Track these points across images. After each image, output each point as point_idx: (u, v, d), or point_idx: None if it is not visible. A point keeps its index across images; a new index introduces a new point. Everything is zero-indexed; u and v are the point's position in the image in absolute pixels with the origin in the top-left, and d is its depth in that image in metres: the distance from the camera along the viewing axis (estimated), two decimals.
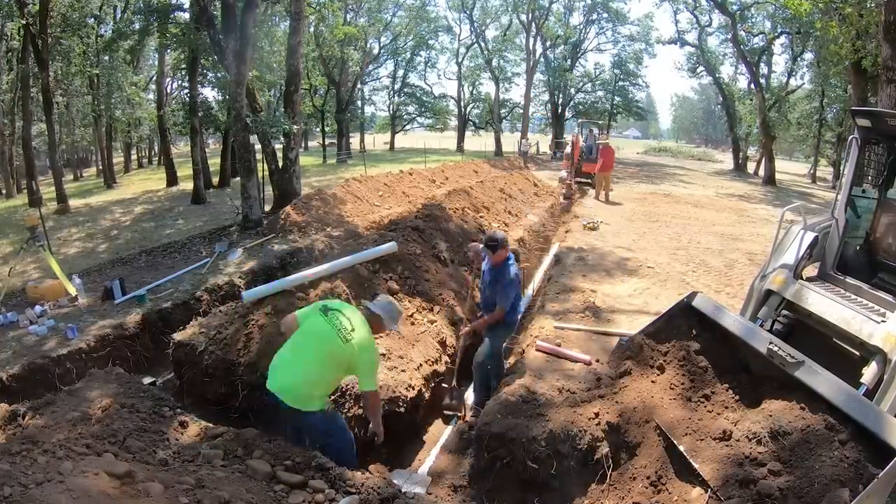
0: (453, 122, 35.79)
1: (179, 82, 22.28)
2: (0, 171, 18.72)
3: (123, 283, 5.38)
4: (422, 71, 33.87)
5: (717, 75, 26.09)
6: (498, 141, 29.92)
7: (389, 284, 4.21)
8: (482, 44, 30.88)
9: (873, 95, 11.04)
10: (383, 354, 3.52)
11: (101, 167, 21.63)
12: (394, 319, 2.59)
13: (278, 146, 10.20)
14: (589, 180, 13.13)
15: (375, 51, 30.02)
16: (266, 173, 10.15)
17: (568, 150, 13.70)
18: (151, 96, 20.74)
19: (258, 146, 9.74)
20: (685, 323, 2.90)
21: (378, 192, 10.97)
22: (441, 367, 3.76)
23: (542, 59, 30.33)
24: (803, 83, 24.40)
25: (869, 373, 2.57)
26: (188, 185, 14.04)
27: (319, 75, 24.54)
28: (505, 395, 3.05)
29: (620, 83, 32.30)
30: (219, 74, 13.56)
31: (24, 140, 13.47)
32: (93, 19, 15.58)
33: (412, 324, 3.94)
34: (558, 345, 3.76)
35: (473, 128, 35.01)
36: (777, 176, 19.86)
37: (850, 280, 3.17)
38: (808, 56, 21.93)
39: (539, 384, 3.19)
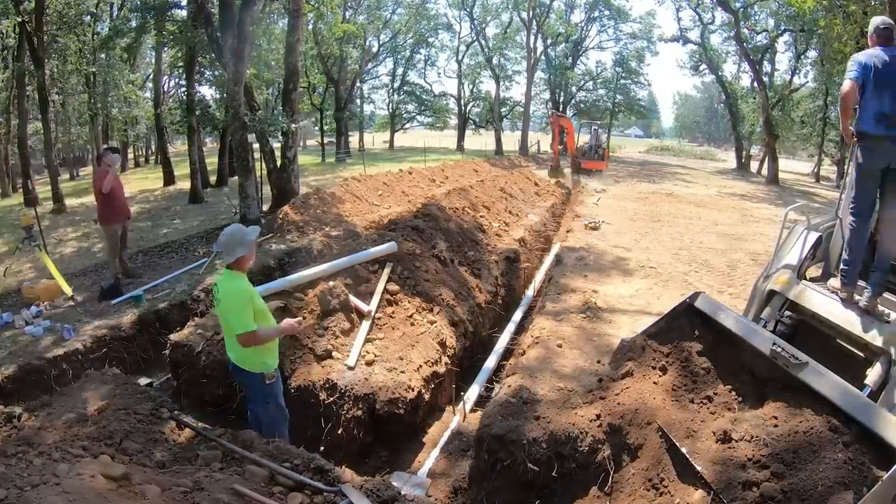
0: (453, 120, 35.72)
1: (177, 80, 22.12)
2: None
3: (120, 282, 5.34)
4: (421, 69, 33.87)
5: (719, 73, 26.02)
6: (498, 140, 29.86)
7: (389, 285, 4.18)
8: (482, 41, 30.83)
9: None
10: (380, 355, 3.49)
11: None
12: (226, 243, 2.55)
13: (276, 145, 10.15)
14: (589, 176, 14.57)
15: (375, 49, 29.91)
16: (264, 172, 10.10)
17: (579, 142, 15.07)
18: (148, 95, 20.63)
19: (256, 145, 9.69)
20: (687, 323, 2.88)
21: (377, 191, 10.92)
22: (441, 368, 3.74)
23: (542, 57, 30.26)
24: (807, 81, 24.37)
25: (873, 374, 2.55)
26: (185, 185, 13.97)
27: (318, 73, 24.43)
28: (505, 397, 3.03)
29: (622, 81, 32.24)
30: (216, 72, 13.50)
31: (20, 139, 13.38)
32: (89, 17, 15.45)
33: (412, 324, 3.91)
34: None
35: (474, 126, 34.94)
36: (780, 175, 19.88)
37: None
38: (812, 54, 21.89)
39: (539, 385, 3.17)
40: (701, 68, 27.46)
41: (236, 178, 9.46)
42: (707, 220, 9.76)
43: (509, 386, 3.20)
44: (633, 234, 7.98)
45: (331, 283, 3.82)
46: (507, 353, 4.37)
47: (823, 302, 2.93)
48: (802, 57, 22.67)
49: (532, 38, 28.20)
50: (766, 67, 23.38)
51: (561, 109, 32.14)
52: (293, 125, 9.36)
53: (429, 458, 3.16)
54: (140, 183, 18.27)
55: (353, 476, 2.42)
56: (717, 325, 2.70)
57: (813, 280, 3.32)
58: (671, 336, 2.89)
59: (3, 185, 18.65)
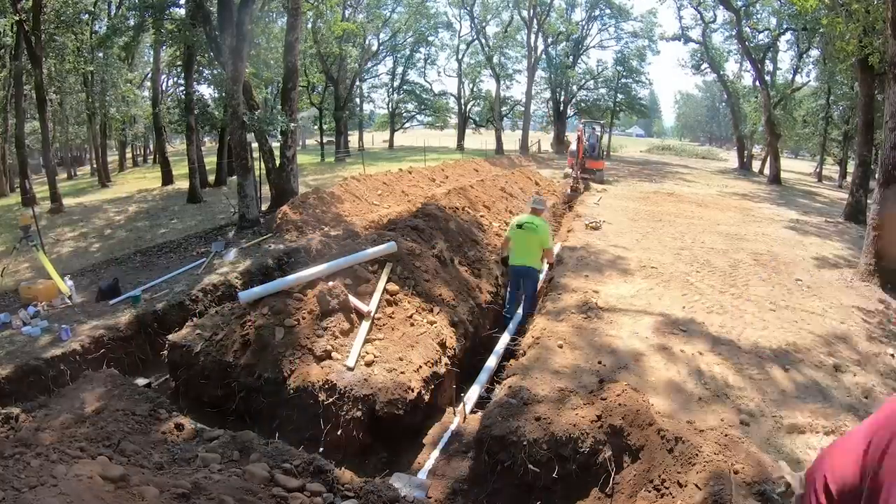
0: (453, 119, 35.64)
1: (175, 79, 22.04)
2: None
3: (118, 282, 5.32)
4: (421, 68, 33.79)
5: (721, 72, 25.88)
6: (499, 139, 29.80)
7: (388, 285, 4.16)
8: (483, 40, 30.73)
9: (880, 93, 10.96)
10: (380, 356, 3.48)
11: (95, 165, 21.44)
12: (535, 201, 5.17)
13: (275, 144, 10.11)
14: (592, 175, 14.65)
15: (374, 47, 29.85)
16: (263, 172, 10.08)
17: (573, 147, 14.74)
18: (146, 94, 20.60)
19: (255, 144, 9.66)
20: None
21: (377, 190, 10.90)
22: (441, 369, 3.72)
23: (543, 56, 30.21)
24: (809, 80, 24.26)
25: None
26: (184, 184, 13.94)
27: (317, 72, 24.37)
28: (505, 398, 3.01)
29: (623, 80, 32.10)
30: (215, 71, 13.48)
31: (17, 138, 13.34)
32: (87, 15, 15.38)
33: (411, 325, 3.89)
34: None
35: (474, 126, 34.88)
36: (782, 174, 19.85)
37: None
38: (814, 53, 21.79)
39: (540, 386, 3.15)
40: (702, 67, 27.32)
41: (235, 177, 9.43)
42: (709, 220, 9.73)
43: (509, 387, 3.18)
44: (634, 234, 7.96)
45: (330, 283, 3.79)
46: (508, 354, 4.35)
47: None
48: (804, 56, 22.59)
49: (533, 36, 28.16)
50: (768, 66, 23.32)
51: (562, 109, 32.13)
52: (293, 124, 9.33)
53: (429, 460, 3.14)
54: (138, 182, 18.22)
55: (352, 477, 2.40)
56: None
57: None
58: None
59: (0, 184, 18.59)
